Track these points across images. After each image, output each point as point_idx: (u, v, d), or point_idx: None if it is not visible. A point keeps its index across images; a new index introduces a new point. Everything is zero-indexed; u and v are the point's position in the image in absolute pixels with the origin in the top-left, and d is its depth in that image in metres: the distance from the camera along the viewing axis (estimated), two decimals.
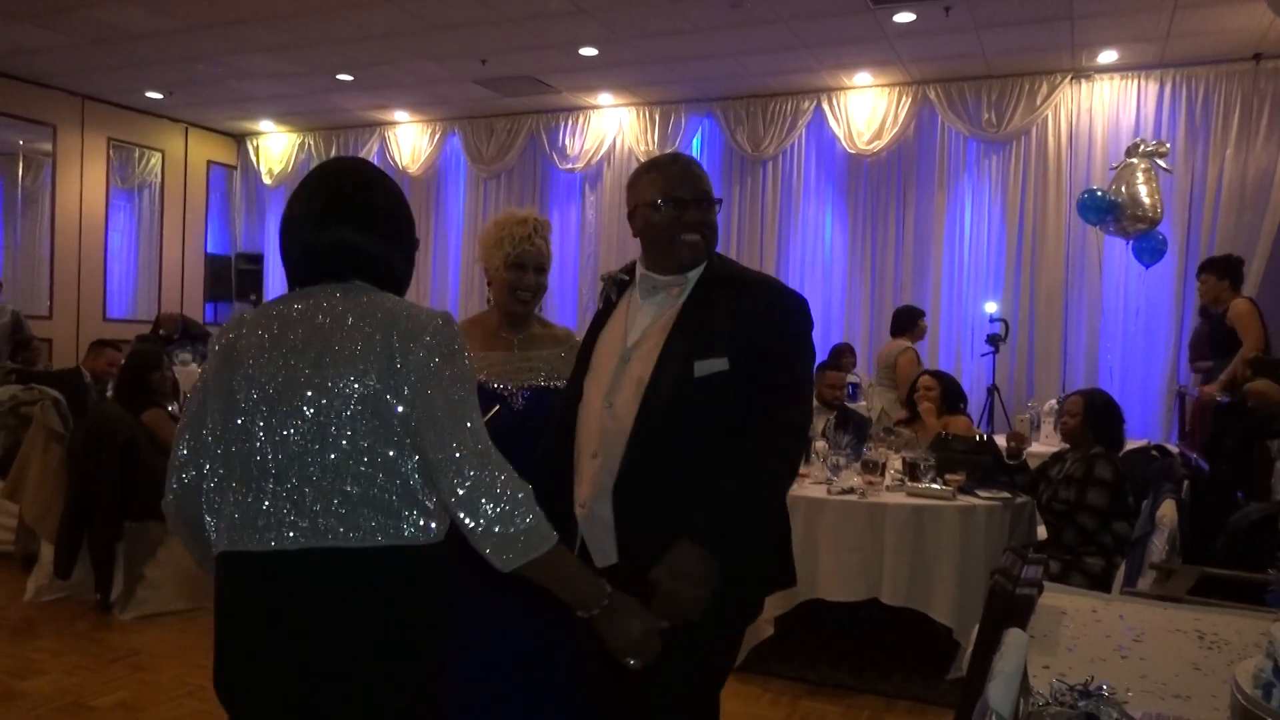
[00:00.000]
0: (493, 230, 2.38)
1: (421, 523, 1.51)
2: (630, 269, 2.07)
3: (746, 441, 1.82)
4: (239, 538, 1.49)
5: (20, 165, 9.96)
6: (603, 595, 1.59)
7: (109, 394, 5.45)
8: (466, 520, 1.47)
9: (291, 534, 1.47)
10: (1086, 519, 3.55)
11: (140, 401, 4.63)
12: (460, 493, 1.46)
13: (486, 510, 1.46)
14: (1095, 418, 3.75)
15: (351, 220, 1.58)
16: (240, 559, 1.50)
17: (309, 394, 1.50)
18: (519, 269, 2.34)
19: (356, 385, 1.49)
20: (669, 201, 1.92)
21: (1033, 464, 4.03)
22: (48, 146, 9.75)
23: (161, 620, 4.34)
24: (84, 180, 10.04)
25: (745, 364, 1.85)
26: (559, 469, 2.00)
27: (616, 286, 2.08)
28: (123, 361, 5.34)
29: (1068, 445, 3.91)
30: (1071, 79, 8.00)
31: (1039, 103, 8.08)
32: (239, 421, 1.52)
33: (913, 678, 3.77)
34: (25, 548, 4.96)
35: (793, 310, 1.94)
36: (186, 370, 7.62)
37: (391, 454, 1.50)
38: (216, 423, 1.56)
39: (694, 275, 1.95)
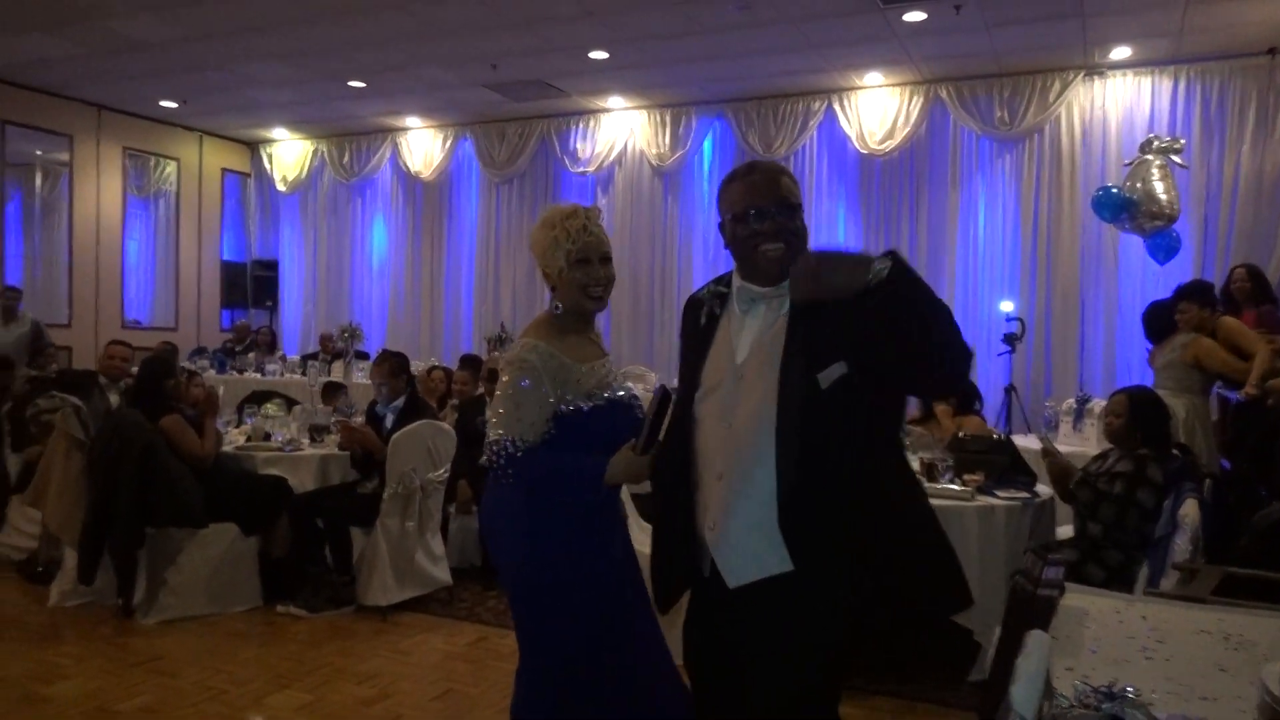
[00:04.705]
0: (543, 233, 2.21)
1: None
2: (726, 280, 2.03)
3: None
4: None
5: (38, 176, 10.06)
6: None
7: (115, 395, 5.50)
8: None
9: None
10: (1133, 516, 3.45)
11: (157, 408, 4.66)
12: None
13: None
14: (1142, 417, 3.59)
15: None
16: None
17: None
18: (584, 264, 2.18)
19: None
20: (748, 213, 1.90)
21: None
22: (64, 156, 9.86)
23: (183, 625, 4.37)
24: (100, 189, 10.14)
25: (869, 361, 1.81)
26: (678, 492, 1.98)
27: (718, 300, 2.02)
28: (134, 369, 5.40)
29: (1111, 445, 3.79)
30: (1084, 76, 7.97)
31: (1051, 100, 8.05)
32: None
33: (933, 680, 3.76)
34: (48, 554, 5.00)
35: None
36: (205, 376, 7.65)
37: None
38: None
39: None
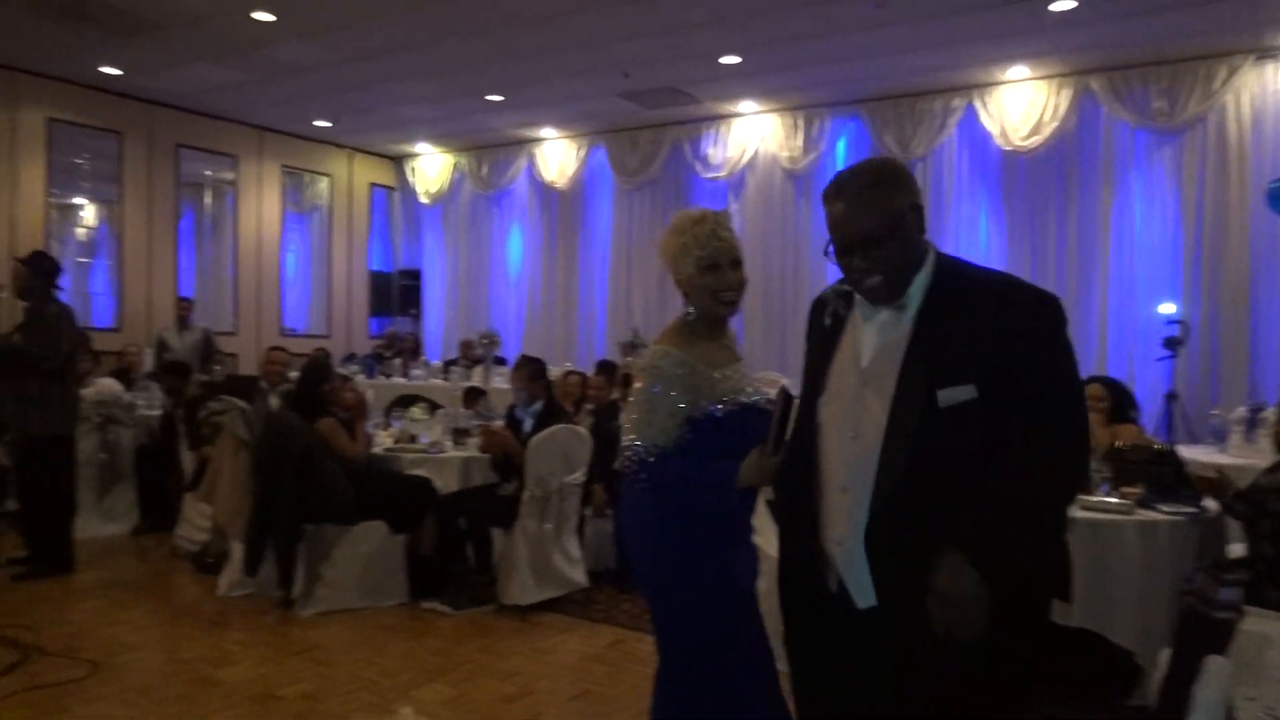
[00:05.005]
0: (672, 240, 2.22)
1: None
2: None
3: (1021, 446, 1.68)
4: None
5: (207, 194, 10.88)
6: None
7: (274, 399, 5.84)
8: None
9: None
10: None
11: (313, 411, 4.93)
12: None
13: None
14: None
15: None
16: None
17: None
18: (714, 270, 2.18)
19: None
20: (838, 250, 1.81)
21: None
22: (230, 175, 10.60)
23: (338, 617, 4.60)
24: (262, 205, 10.85)
25: (1000, 390, 1.69)
26: (799, 502, 1.90)
27: (843, 301, 1.93)
28: (293, 373, 5.73)
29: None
30: (1255, 60, 7.40)
31: (1217, 87, 7.51)
32: None
33: (1088, 702, 3.56)
34: (218, 547, 5.37)
35: (1044, 317, 1.75)
36: (355, 381, 8.05)
37: None
38: None
39: (917, 289, 1.80)
